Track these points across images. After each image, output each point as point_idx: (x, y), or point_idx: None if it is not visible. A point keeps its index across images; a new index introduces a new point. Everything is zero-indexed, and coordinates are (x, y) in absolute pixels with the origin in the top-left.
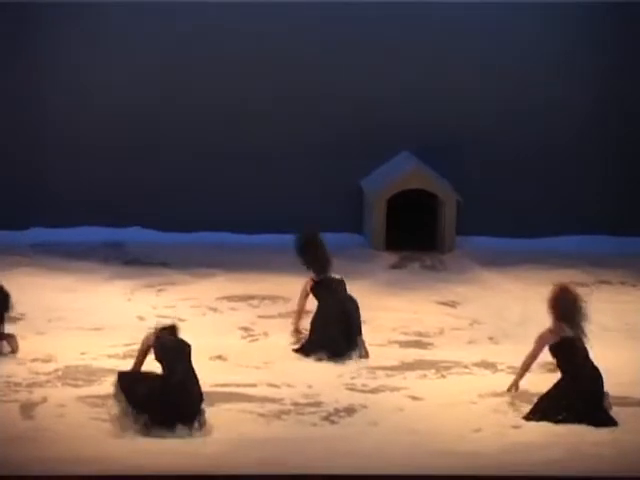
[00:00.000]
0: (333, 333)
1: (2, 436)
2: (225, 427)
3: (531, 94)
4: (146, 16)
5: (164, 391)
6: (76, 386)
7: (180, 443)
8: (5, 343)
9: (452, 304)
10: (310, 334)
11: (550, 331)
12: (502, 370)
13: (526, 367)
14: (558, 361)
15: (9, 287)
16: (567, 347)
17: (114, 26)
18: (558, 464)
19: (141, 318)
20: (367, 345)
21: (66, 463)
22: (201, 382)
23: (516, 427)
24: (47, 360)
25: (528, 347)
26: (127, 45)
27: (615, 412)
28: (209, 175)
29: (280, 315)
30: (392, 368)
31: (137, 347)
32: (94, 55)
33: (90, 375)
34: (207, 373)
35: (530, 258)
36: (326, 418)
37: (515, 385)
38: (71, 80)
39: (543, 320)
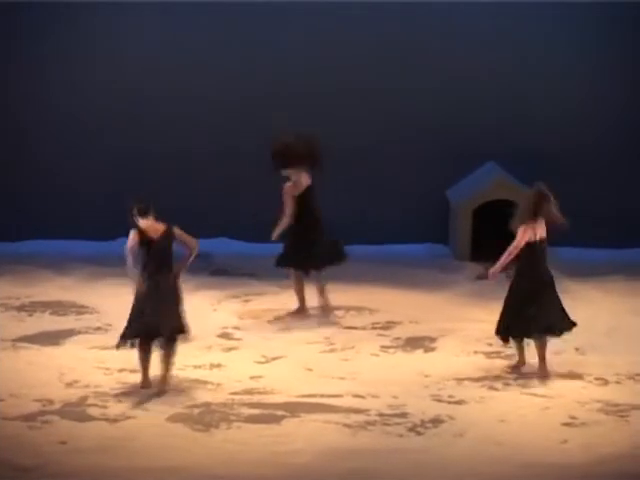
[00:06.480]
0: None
1: (89, 445)
2: (311, 438)
3: (616, 106)
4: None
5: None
6: (163, 397)
7: (266, 454)
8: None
9: None
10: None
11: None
12: (590, 382)
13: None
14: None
15: (96, 297)
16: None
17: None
18: None
19: (226, 329)
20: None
21: (149, 473)
22: (287, 393)
23: (602, 439)
24: (134, 370)
25: (615, 358)
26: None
27: None
28: None
29: (365, 326)
30: (478, 379)
31: (222, 355)
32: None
33: (177, 386)
34: (293, 384)
35: (616, 269)
36: (412, 429)
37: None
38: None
39: (630, 331)
